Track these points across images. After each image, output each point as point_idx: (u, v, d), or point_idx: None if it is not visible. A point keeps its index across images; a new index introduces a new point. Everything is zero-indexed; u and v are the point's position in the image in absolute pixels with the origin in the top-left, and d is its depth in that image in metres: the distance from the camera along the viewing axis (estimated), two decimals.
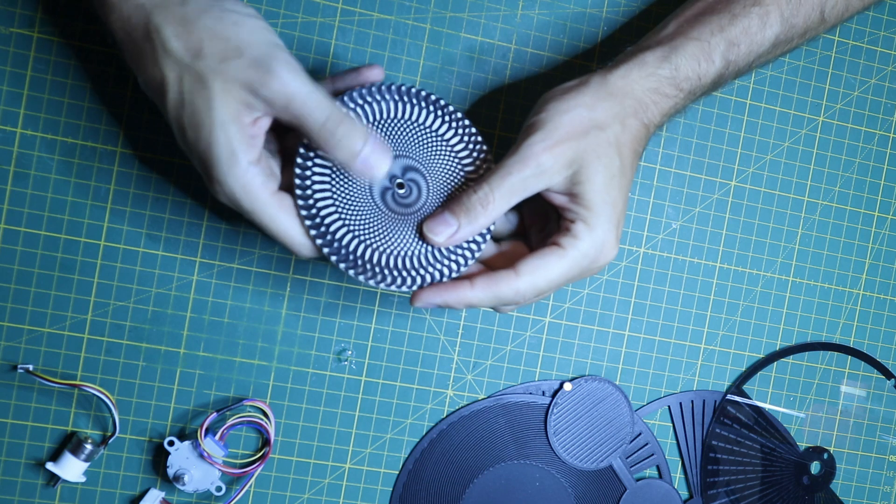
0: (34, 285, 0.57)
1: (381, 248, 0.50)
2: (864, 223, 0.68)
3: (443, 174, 0.52)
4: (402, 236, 0.50)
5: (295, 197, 0.48)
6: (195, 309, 0.59)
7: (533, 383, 0.63)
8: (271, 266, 0.60)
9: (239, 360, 0.59)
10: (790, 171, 0.66)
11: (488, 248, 0.53)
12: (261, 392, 0.60)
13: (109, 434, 0.58)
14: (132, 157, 0.57)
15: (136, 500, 0.59)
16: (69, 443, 0.57)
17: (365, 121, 0.50)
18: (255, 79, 0.45)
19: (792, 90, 0.66)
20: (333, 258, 0.49)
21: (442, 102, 0.52)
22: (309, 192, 0.48)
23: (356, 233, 0.49)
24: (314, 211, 0.48)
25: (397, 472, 0.62)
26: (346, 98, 0.50)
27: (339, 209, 0.49)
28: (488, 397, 0.63)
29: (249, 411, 0.59)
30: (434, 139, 0.52)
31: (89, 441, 0.56)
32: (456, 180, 0.52)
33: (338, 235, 0.49)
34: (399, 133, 0.51)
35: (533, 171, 0.48)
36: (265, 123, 0.47)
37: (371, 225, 0.50)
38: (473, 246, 0.51)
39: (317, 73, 0.59)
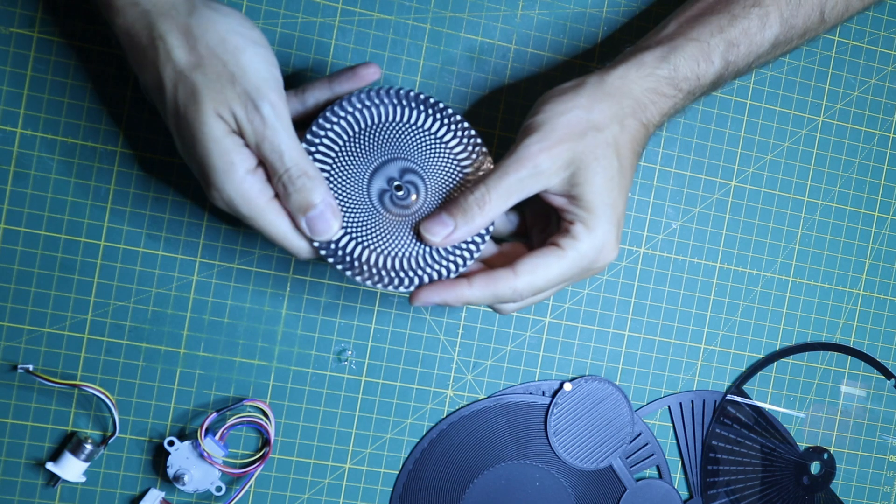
0: (34, 285, 0.57)
1: (379, 250, 0.50)
2: (864, 223, 0.68)
3: (441, 176, 0.52)
4: (400, 238, 0.50)
5: None
6: (195, 309, 0.59)
7: (533, 383, 0.63)
8: (271, 266, 0.60)
9: (239, 360, 0.59)
10: (790, 171, 0.66)
11: (488, 248, 0.53)
12: (261, 392, 0.60)
13: (109, 434, 0.58)
14: (132, 157, 0.57)
15: (136, 500, 0.59)
16: (69, 443, 0.57)
17: (363, 125, 0.51)
18: (239, 111, 0.46)
19: (792, 90, 0.66)
20: (330, 260, 0.49)
21: (441, 105, 0.52)
22: None
23: (353, 235, 0.49)
24: None
25: (397, 472, 0.62)
26: (344, 102, 0.50)
27: None
28: (488, 397, 0.63)
29: (249, 411, 0.59)
30: (432, 141, 0.52)
31: (89, 441, 0.56)
32: (454, 182, 0.52)
33: (335, 238, 0.49)
34: (397, 136, 0.51)
35: (529, 171, 0.48)
36: None
37: (369, 227, 0.50)
38: (472, 247, 0.51)
39: (317, 73, 0.59)
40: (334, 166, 0.50)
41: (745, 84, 0.65)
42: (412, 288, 0.50)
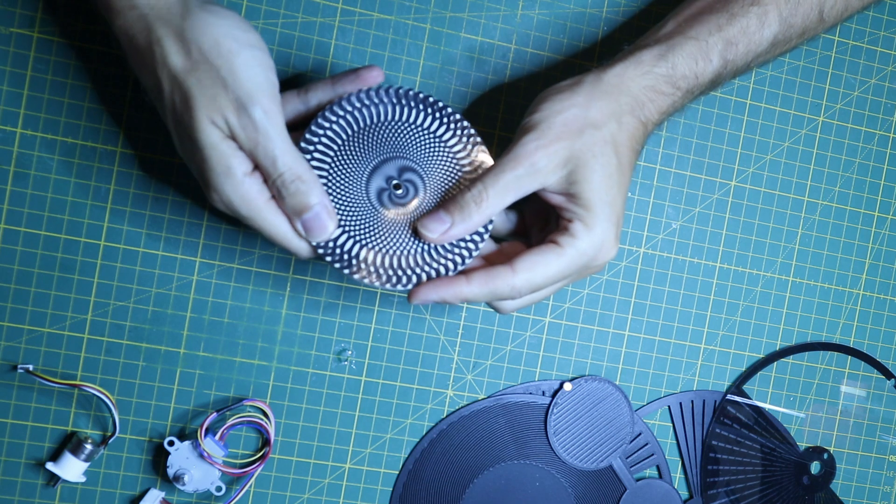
0: (34, 285, 0.57)
1: (378, 249, 0.50)
2: (864, 223, 0.68)
3: (440, 174, 0.52)
4: (399, 236, 0.50)
5: None
6: (195, 309, 0.59)
7: (533, 383, 0.63)
8: (271, 266, 0.60)
9: (239, 360, 0.60)
10: (790, 171, 0.66)
11: (488, 247, 0.53)
12: (261, 392, 0.60)
13: (109, 434, 0.58)
14: (132, 157, 0.57)
15: (136, 500, 0.59)
16: (69, 443, 0.57)
17: (362, 124, 0.51)
18: (231, 117, 0.45)
19: (792, 90, 0.66)
20: (328, 258, 0.49)
21: (440, 104, 0.52)
22: None
23: (352, 234, 0.50)
24: None
25: (397, 472, 0.62)
26: (343, 102, 0.50)
27: (336, 210, 0.49)
28: (488, 397, 0.63)
29: (249, 411, 0.59)
30: (431, 140, 0.52)
31: (89, 441, 0.56)
32: (453, 180, 0.52)
33: (333, 236, 0.49)
34: (395, 135, 0.51)
35: (526, 169, 0.48)
36: None
37: (367, 226, 0.50)
38: (471, 245, 0.51)
39: (317, 73, 0.59)
40: (333, 165, 0.50)
41: (745, 84, 0.65)
42: (410, 286, 0.50)
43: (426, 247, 0.51)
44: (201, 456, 0.57)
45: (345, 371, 0.61)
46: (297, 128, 0.52)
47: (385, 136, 0.51)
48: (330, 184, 0.50)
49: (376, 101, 0.51)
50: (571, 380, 0.64)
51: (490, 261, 0.52)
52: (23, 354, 0.57)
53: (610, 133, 0.49)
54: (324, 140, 0.50)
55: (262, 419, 0.59)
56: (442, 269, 0.50)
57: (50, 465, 0.56)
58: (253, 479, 0.59)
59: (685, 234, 0.65)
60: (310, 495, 0.61)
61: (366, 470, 0.62)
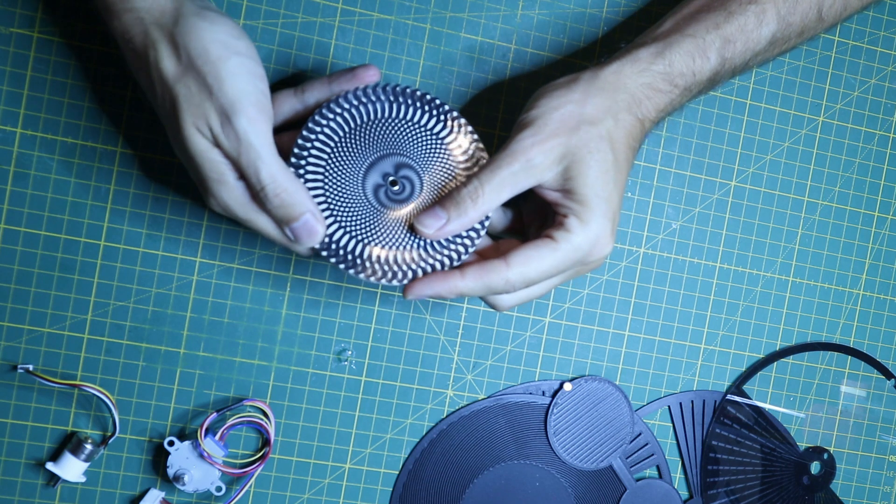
0: (34, 285, 0.57)
1: (375, 245, 0.50)
2: (864, 223, 0.68)
3: (437, 171, 0.52)
4: (395, 233, 0.51)
5: None
6: (195, 309, 0.59)
7: (533, 383, 0.63)
8: (271, 266, 0.60)
9: (239, 360, 0.60)
10: (790, 171, 0.66)
11: (484, 244, 0.53)
12: (261, 392, 0.60)
13: (109, 434, 0.58)
14: (132, 157, 0.57)
15: (136, 500, 0.59)
16: (69, 443, 0.57)
17: (358, 121, 0.51)
18: (215, 125, 0.45)
19: (792, 90, 0.66)
20: (324, 254, 0.49)
21: (436, 101, 0.52)
22: None
23: (349, 230, 0.50)
24: None
25: (397, 472, 0.62)
26: (340, 100, 0.50)
27: (332, 207, 0.50)
28: (488, 397, 0.63)
29: (249, 411, 0.59)
30: (427, 137, 0.52)
31: (89, 441, 0.56)
32: (450, 176, 0.52)
33: (329, 232, 0.49)
34: (392, 132, 0.51)
35: (522, 165, 0.48)
36: None
37: (364, 223, 0.50)
38: (468, 241, 0.51)
39: (317, 72, 0.59)
40: (329, 163, 0.50)
41: (745, 84, 0.65)
42: (405, 282, 0.50)
43: (423, 243, 0.51)
44: (201, 456, 0.57)
45: (345, 371, 0.61)
46: (294, 126, 0.52)
47: (381, 133, 0.51)
48: (327, 181, 0.50)
49: (372, 98, 0.51)
50: (571, 380, 0.64)
51: (486, 256, 0.52)
52: (23, 354, 0.57)
53: (606, 129, 0.49)
54: (320, 137, 0.50)
55: (262, 419, 0.59)
56: (438, 265, 0.50)
57: (50, 465, 0.56)
58: (253, 479, 0.59)
59: (685, 234, 0.65)
60: (310, 495, 0.61)
61: (366, 470, 0.62)
